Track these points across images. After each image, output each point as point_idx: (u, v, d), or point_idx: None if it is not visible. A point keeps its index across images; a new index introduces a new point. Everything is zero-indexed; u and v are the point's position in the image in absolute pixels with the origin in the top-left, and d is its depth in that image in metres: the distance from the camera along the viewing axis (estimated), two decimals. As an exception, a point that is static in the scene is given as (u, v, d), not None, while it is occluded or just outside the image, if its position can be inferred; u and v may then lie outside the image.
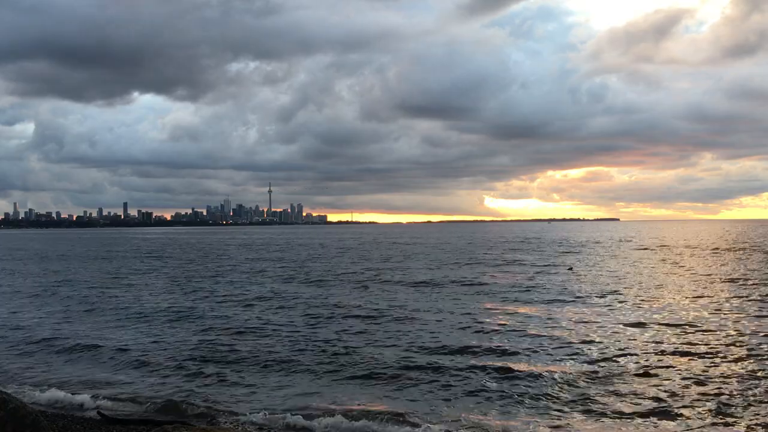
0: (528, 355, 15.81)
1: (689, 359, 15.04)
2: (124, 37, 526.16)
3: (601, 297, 26.53)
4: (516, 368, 14.38)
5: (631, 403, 11.95)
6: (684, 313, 21.88)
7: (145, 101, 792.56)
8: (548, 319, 21.09)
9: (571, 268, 41.95)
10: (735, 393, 12.29)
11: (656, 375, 13.73)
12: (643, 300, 25.40)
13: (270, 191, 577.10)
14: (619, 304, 24.20)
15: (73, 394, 13.41)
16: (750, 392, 12.30)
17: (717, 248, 65.10)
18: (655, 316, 21.33)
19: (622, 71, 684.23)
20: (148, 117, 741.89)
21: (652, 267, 43.26)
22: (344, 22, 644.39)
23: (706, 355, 15.35)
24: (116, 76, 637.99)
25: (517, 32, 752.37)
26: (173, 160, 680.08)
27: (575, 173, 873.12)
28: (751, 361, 14.72)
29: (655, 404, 11.80)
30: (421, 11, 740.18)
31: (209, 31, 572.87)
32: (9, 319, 23.59)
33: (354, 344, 17.48)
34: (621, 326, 19.48)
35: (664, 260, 49.73)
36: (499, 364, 14.85)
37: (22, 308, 26.59)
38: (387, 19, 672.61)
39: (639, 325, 19.67)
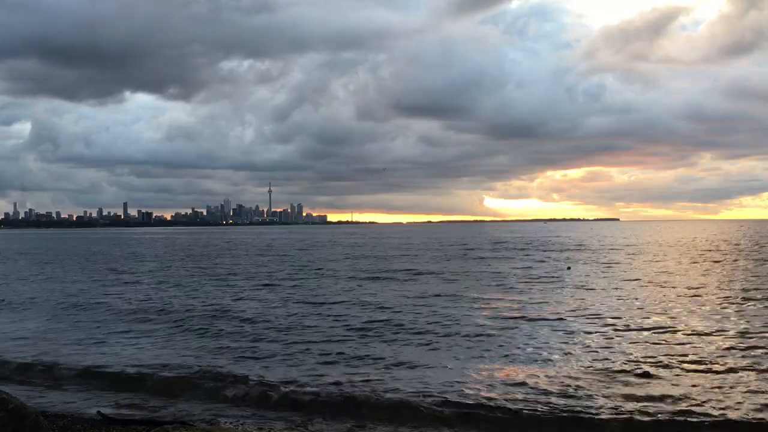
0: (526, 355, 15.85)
1: (693, 363, 15.03)
2: (114, 35, 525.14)
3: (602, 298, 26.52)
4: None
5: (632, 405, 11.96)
6: (684, 316, 21.86)
7: (137, 100, 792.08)
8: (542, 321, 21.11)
9: (569, 268, 42.00)
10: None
11: (657, 377, 13.72)
12: (643, 300, 25.42)
13: (270, 191, 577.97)
14: (619, 304, 24.21)
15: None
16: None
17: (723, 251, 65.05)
18: (657, 315, 21.35)
19: (617, 70, 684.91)
20: (144, 117, 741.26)
21: (652, 268, 43.20)
22: (337, 19, 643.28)
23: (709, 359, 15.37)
24: (107, 75, 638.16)
25: (511, 30, 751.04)
26: (171, 160, 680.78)
27: (574, 173, 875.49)
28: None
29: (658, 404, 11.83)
30: (413, 9, 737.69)
31: (198, 29, 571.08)
32: None
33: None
34: (620, 326, 19.50)
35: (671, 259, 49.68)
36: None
37: None
38: (381, 17, 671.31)
39: (639, 324, 19.66)
